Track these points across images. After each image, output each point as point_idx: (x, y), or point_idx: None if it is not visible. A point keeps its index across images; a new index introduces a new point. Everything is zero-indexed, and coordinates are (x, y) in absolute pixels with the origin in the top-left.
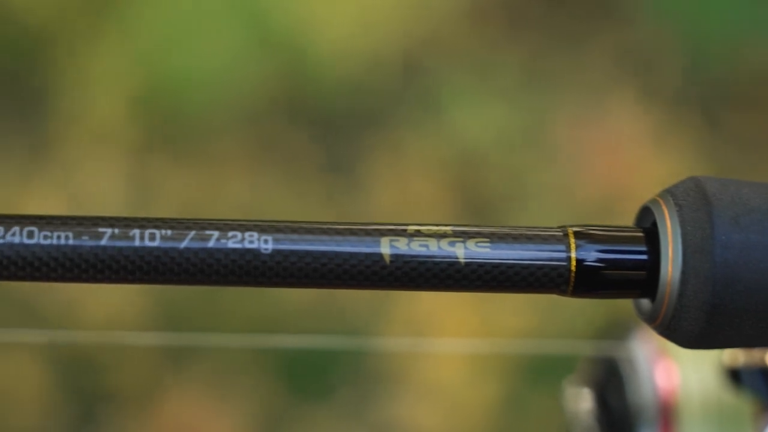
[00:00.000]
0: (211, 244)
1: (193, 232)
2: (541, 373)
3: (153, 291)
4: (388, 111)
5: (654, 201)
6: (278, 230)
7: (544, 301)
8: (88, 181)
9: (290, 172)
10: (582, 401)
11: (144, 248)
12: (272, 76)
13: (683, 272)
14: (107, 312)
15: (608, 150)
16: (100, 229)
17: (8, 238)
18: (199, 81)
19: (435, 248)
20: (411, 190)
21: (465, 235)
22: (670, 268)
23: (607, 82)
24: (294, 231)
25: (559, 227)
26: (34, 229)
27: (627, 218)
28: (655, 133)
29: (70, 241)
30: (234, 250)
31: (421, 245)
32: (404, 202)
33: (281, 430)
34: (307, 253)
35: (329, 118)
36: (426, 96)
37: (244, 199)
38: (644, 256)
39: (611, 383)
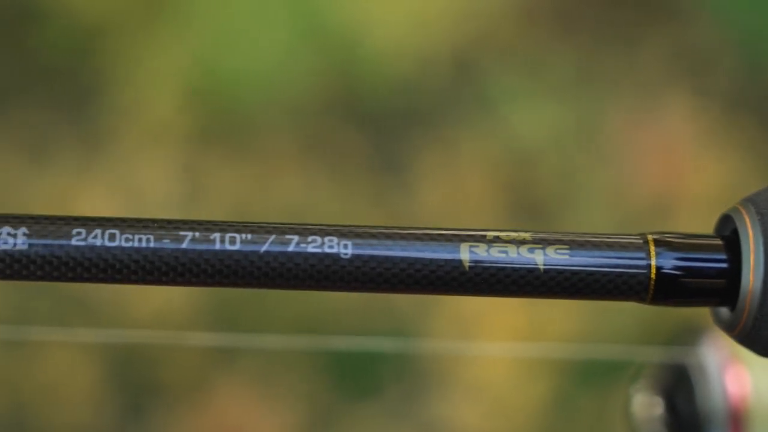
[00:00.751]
0: (291, 248)
1: (273, 236)
2: (588, 376)
3: (203, 289)
4: (439, 110)
5: (735, 209)
6: (358, 235)
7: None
8: (140, 176)
9: (340, 170)
10: (651, 407)
11: (224, 252)
12: (324, 74)
13: (764, 281)
14: (157, 309)
15: (662, 151)
16: (181, 233)
17: (90, 240)
18: (252, 77)
19: (514, 255)
20: (461, 189)
21: (544, 242)
22: (751, 277)
23: (661, 82)
24: (373, 236)
25: (638, 234)
26: (116, 231)
27: (680, 220)
28: (709, 134)
29: (152, 244)
30: (313, 254)
31: (500, 251)
32: (454, 201)
33: (328, 428)
34: (387, 258)
35: (380, 116)
36: (478, 95)
37: (293, 196)
38: (724, 265)
39: (681, 389)
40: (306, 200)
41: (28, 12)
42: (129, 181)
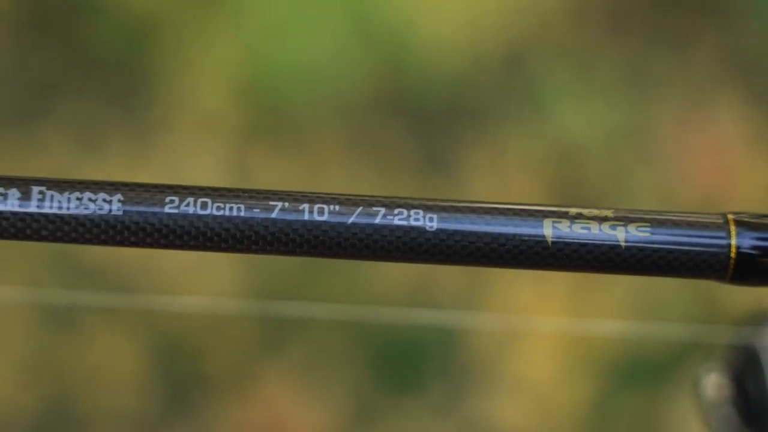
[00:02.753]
0: (377, 220)
1: (360, 208)
2: (633, 377)
3: (251, 273)
4: (488, 107)
5: None
6: (443, 209)
7: (642, 296)
8: (189, 167)
9: (387, 166)
10: (720, 389)
11: (312, 222)
12: (373, 70)
13: None
14: (203, 298)
15: (711, 152)
16: (271, 202)
17: (182, 208)
18: (302, 72)
19: (596, 231)
20: (508, 187)
21: (626, 220)
22: None
23: (712, 82)
24: (458, 210)
25: (718, 214)
26: (208, 200)
27: None
28: (760, 136)
29: (242, 213)
30: (399, 227)
31: (582, 228)
32: (501, 199)
33: (371, 422)
34: (471, 232)
35: (428, 113)
36: (527, 93)
37: (338, 191)
38: None
39: (750, 371)
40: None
41: (81, 5)
42: (178, 172)
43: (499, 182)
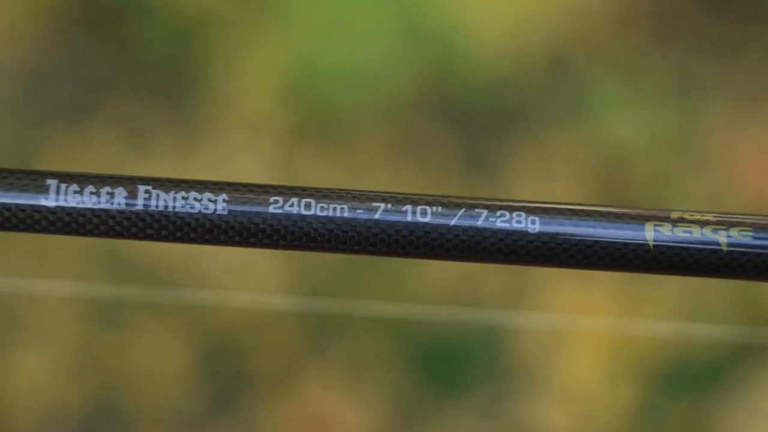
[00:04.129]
0: (480, 222)
1: (462, 210)
2: (679, 379)
3: (297, 272)
4: (534, 110)
5: None
6: (545, 211)
7: (691, 296)
8: (236, 168)
9: (431, 168)
10: None
11: (415, 224)
12: (419, 72)
13: None
14: (250, 296)
15: (760, 158)
16: (374, 203)
17: (287, 208)
18: (349, 74)
19: (698, 235)
20: (553, 191)
21: (728, 224)
22: None
23: (762, 89)
24: (560, 213)
25: None
26: (312, 200)
27: None
28: None
29: (346, 214)
30: (502, 229)
31: (684, 231)
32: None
33: (413, 422)
34: (573, 235)
35: (474, 115)
36: (573, 97)
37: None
38: None
39: None
40: None
41: (132, 4)
42: (224, 172)
43: (544, 186)
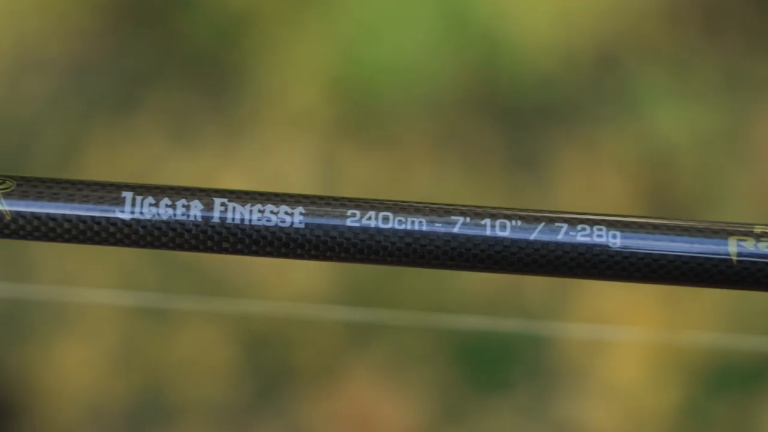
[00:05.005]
0: (560, 236)
1: (542, 224)
2: (725, 384)
3: (337, 272)
4: (580, 107)
5: None
6: (626, 225)
7: (736, 303)
8: (279, 163)
9: (474, 164)
10: None
11: (495, 238)
12: (465, 68)
13: None
14: (294, 291)
15: None
16: (453, 217)
17: (364, 222)
18: (394, 69)
19: None
20: (599, 188)
21: None
22: None
23: None
24: (641, 227)
25: None
26: (389, 214)
27: None
28: None
29: (424, 228)
30: (582, 243)
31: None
32: (591, 201)
33: (456, 419)
34: (655, 250)
35: (519, 111)
36: (620, 93)
37: (427, 189)
38: None
39: None
40: (439, 193)
41: None
42: (268, 167)
43: (590, 184)
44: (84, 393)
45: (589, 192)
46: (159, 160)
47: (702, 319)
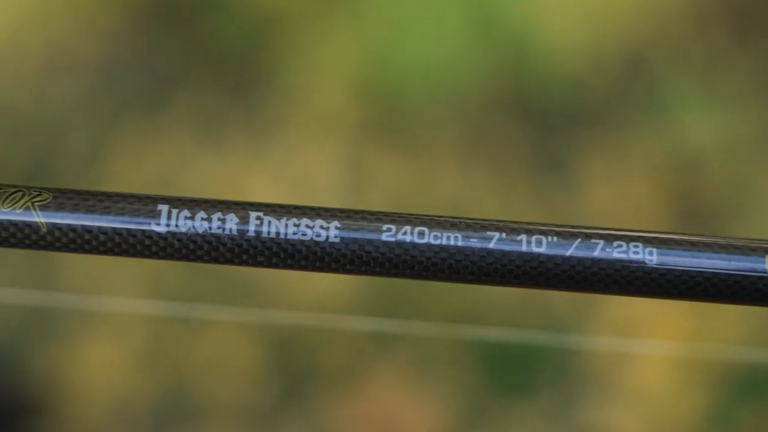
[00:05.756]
0: (596, 252)
1: (578, 240)
2: (752, 388)
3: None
4: (608, 110)
5: None
6: (662, 242)
7: (765, 312)
8: (306, 164)
9: (502, 167)
10: None
11: (530, 253)
12: (493, 70)
13: None
14: (319, 295)
15: None
16: (489, 232)
17: (399, 236)
18: (422, 71)
19: None
20: (627, 192)
21: None
22: None
23: None
24: (678, 244)
25: None
26: (425, 229)
27: None
28: None
29: (459, 243)
30: (618, 260)
31: None
32: (619, 205)
33: (481, 422)
34: (691, 267)
35: (546, 114)
36: (649, 97)
37: (453, 191)
38: None
39: None
40: (466, 195)
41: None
42: (295, 168)
43: (617, 188)
44: (110, 393)
45: (616, 197)
46: (187, 160)
47: (729, 326)
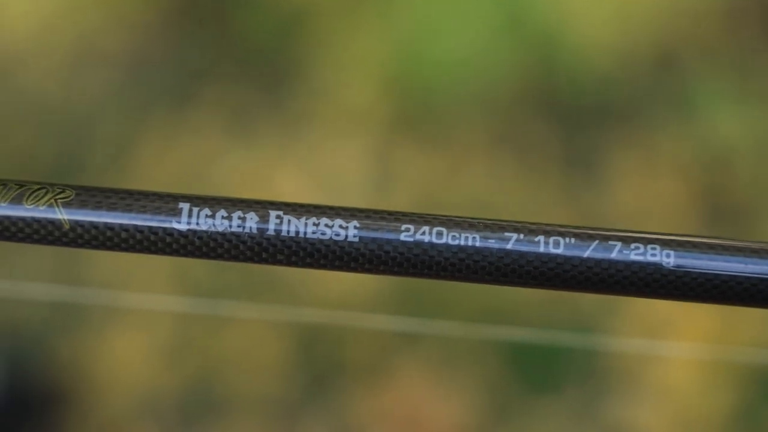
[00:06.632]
0: (613, 254)
1: (596, 242)
2: None
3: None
4: (637, 108)
5: None
6: (680, 245)
7: None
8: (335, 159)
9: (530, 164)
10: None
11: (548, 255)
12: (522, 66)
13: None
14: (343, 290)
15: None
16: (506, 233)
17: (418, 237)
18: (451, 67)
19: None
20: (656, 191)
21: None
22: None
23: None
24: (695, 246)
25: None
26: (443, 229)
27: None
28: None
29: (477, 243)
30: (636, 262)
31: None
32: (647, 203)
33: (505, 420)
34: (709, 269)
35: (575, 111)
36: (678, 95)
37: (481, 188)
38: None
39: None
40: (493, 193)
41: None
42: (323, 163)
43: (646, 186)
44: (137, 386)
45: (644, 195)
46: (214, 155)
47: (754, 328)
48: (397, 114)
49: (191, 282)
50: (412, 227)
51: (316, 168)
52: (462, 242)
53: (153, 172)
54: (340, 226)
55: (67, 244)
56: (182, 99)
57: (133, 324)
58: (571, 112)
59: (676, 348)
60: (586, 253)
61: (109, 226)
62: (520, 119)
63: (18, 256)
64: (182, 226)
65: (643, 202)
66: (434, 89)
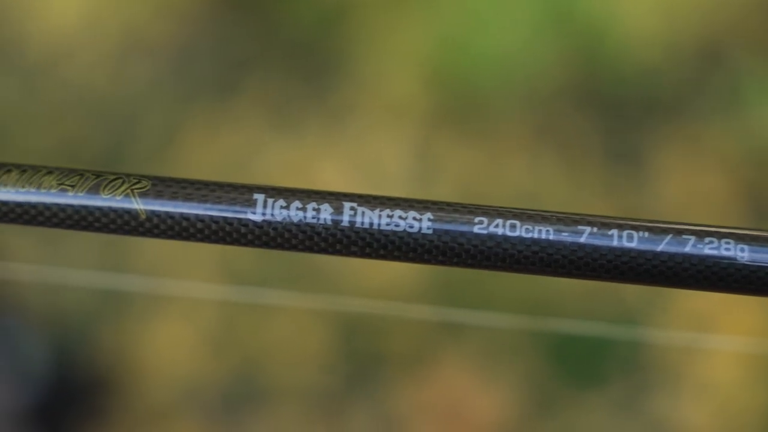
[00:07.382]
0: (687, 248)
1: (670, 236)
2: None
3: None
4: (683, 102)
5: None
6: (754, 239)
7: None
8: (376, 150)
9: (572, 157)
10: None
11: (621, 248)
12: (566, 60)
13: None
14: (385, 280)
15: None
16: (580, 227)
17: (491, 229)
18: (494, 60)
19: None
20: (700, 186)
21: None
22: None
23: None
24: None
25: None
26: (517, 222)
27: None
28: None
29: (551, 237)
30: (710, 256)
31: None
32: (691, 198)
33: (548, 412)
34: None
35: (619, 105)
36: (725, 89)
37: (522, 180)
38: None
39: None
40: (534, 185)
41: None
42: (365, 154)
43: (690, 181)
44: (180, 374)
45: (689, 190)
46: (257, 145)
47: None
48: (440, 106)
49: (235, 270)
50: (485, 220)
51: (358, 159)
52: (536, 235)
53: (197, 162)
54: (414, 218)
55: (143, 234)
56: (226, 90)
57: (178, 312)
58: (616, 106)
59: (720, 342)
60: (660, 247)
61: (185, 217)
62: (564, 112)
63: (63, 244)
64: (257, 217)
65: (687, 197)
66: (477, 82)
